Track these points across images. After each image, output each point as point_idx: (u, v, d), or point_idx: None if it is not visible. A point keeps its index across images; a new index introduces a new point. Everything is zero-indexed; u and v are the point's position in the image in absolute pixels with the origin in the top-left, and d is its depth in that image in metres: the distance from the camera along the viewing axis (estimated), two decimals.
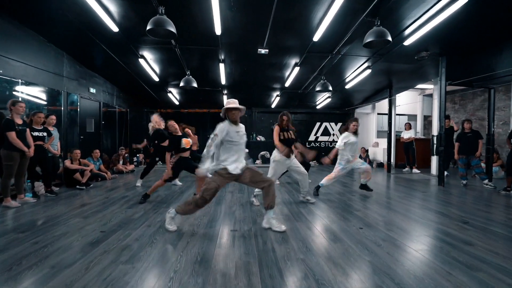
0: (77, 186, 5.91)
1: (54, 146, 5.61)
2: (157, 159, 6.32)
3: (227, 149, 3.26)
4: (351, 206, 4.58)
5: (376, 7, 4.56)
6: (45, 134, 5.10)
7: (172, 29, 4.35)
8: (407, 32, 5.45)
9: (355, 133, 5.29)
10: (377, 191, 5.90)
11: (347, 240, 3.04)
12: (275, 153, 4.68)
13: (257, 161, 11.71)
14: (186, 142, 4.73)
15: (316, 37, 5.46)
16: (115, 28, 5.13)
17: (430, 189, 6.21)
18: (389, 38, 4.63)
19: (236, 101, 3.36)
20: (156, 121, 6.04)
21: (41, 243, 2.88)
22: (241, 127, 3.44)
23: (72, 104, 6.90)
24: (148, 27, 4.23)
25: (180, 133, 4.82)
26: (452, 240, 3.04)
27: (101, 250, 2.72)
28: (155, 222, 3.64)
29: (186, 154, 4.80)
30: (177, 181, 6.73)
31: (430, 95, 12.90)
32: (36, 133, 4.92)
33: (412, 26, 5.24)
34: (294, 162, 4.72)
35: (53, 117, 5.58)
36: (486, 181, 6.38)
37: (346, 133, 5.31)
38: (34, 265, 2.37)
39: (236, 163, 3.27)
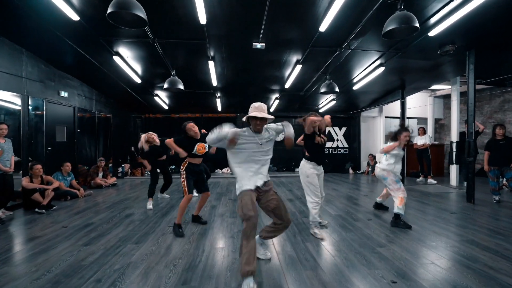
0: (36, 209, 4.89)
1: (6, 162, 4.60)
2: (158, 170, 5.58)
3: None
4: (371, 239, 3.57)
5: None
6: None
7: (141, 14, 3.38)
8: (433, 20, 4.49)
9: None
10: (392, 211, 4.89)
11: (381, 264, 2.03)
12: (306, 164, 3.82)
13: None
14: (201, 146, 4.04)
15: (323, 27, 4.48)
16: (75, 17, 4.15)
17: (458, 208, 5.21)
18: (417, 24, 3.68)
19: (265, 107, 2.67)
20: (153, 139, 5.53)
21: None
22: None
23: (36, 109, 5.89)
24: (108, 10, 3.26)
25: (198, 137, 4.09)
26: None
27: None
28: (110, 272, 2.64)
29: (198, 161, 4.06)
30: (165, 194, 6.11)
31: (441, 97, 11.96)
32: None
33: (440, 13, 4.29)
34: (321, 175, 3.94)
35: (4, 126, 4.56)
36: None
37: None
38: None
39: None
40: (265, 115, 2.54)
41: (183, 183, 3.90)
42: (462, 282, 2.43)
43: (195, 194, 5.70)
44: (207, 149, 4.09)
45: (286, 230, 2.85)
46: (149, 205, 5.18)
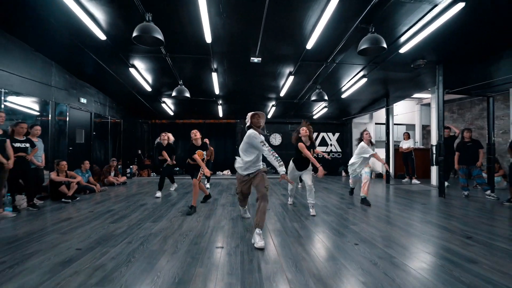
0: (63, 199, 5.67)
1: (38, 157, 5.39)
2: (164, 165, 6.56)
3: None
4: (347, 220, 4.34)
5: (369, 14, 4.44)
6: (27, 145, 4.90)
7: (160, 36, 4.21)
8: (402, 39, 5.32)
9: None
10: (375, 203, 5.67)
11: (341, 258, 2.80)
12: (291, 163, 5.10)
13: None
14: (199, 154, 4.98)
15: (309, 45, 5.33)
16: (102, 36, 5.00)
17: (431, 201, 5.97)
18: (384, 45, 4.50)
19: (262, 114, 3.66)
20: (170, 138, 6.69)
21: (8, 263, 2.65)
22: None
23: (60, 114, 6.72)
24: (134, 34, 4.09)
25: (199, 145, 5.06)
26: (454, 257, 2.81)
27: (71, 271, 2.49)
28: (137, 238, 3.41)
29: (194, 163, 5.06)
30: (160, 193, 6.48)
31: (428, 105, 12.77)
32: (18, 144, 4.72)
33: (408, 33, 5.12)
34: (307, 171, 4.93)
35: (38, 127, 5.38)
36: (488, 192, 6.16)
37: (363, 144, 5.56)
38: None
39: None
40: (261, 123, 3.61)
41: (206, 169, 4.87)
42: (404, 243, 3.21)
43: (159, 194, 6.40)
44: (204, 156, 5.04)
45: (265, 203, 3.31)
46: (158, 194, 6.31)
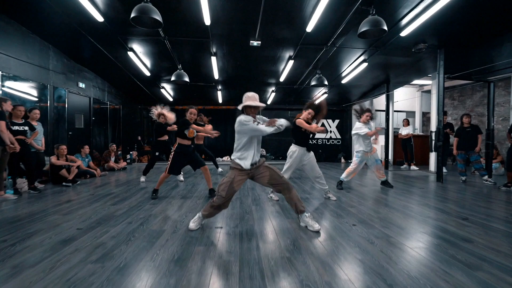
0: (63, 183, 5.71)
1: (38, 141, 5.40)
2: (157, 153, 6.17)
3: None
4: (345, 203, 4.38)
5: None
6: (26, 128, 4.90)
7: (158, 17, 4.15)
8: (403, 22, 5.26)
9: (367, 123, 5.33)
10: (374, 187, 5.71)
11: (338, 237, 2.84)
12: (293, 148, 4.49)
13: None
14: (190, 131, 4.56)
15: (309, 28, 5.25)
16: (100, 18, 4.93)
17: (429, 185, 6.01)
18: (385, 27, 4.45)
19: (257, 96, 3.05)
20: (169, 117, 5.90)
21: (9, 241, 2.69)
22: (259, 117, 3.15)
23: (59, 99, 6.68)
24: (132, 15, 4.04)
25: (191, 122, 4.53)
26: (450, 237, 2.85)
27: (72, 248, 2.53)
28: (137, 219, 3.45)
29: (187, 142, 4.62)
30: (181, 176, 6.36)
31: (429, 91, 12.70)
32: (16, 127, 4.72)
33: (409, 15, 5.05)
34: (312, 158, 4.51)
35: (37, 111, 5.36)
36: (485, 177, 6.20)
37: (358, 124, 5.34)
38: None
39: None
40: (258, 103, 2.94)
41: (169, 161, 4.52)
42: (401, 223, 3.26)
43: (181, 178, 6.28)
44: (195, 134, 4.64)
45: (293, 189, 3.13)
46: (142, 179, 6.17)
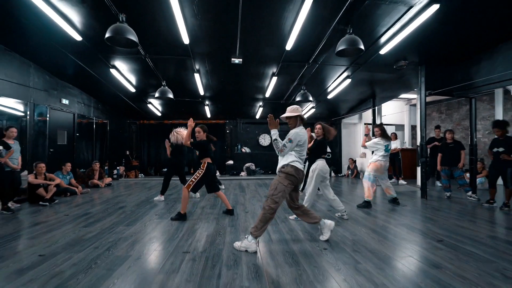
0: (40, 202, 5.59)
1: (14, 160, 5.30)
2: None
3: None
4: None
5: (346, 14, 4.43)
6: (0, 147, 4.82)
7: (133, 37, 4.16)
8: (382, 40, 5.32)
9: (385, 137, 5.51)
10: (356, 204, 5.65)
11: (305, 263, 2.76)
12: (319, 163, 4.51)
13: (242, 173, 11.44)
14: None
15: (288, 46, 5.29)
16: (78, 37, 4.94)
17: (412, 202, 5.96)
18: (362, 47, 4.49)
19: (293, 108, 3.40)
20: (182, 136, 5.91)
21: None
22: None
23: (40, 115, 6.63)
24: (106, 35, 4.04)
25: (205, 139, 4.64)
26: (419, 262, 2.79)
27: (27, 279, 2.44)
28: (105, 243, 3.36)
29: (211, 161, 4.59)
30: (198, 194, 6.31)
31: (416, 105, 12.84)
32: None
33: (387, 34, 5.12)
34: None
35: (13, 129, 5.29)
36: (469, 193, 6.17)
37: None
38: None
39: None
40: (285, 114, 3.34)
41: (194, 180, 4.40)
42: (374, 247, 3.20)
43: (197, 195, 6.29)
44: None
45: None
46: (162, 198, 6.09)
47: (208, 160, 4.53)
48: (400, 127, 12.86)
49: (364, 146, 5.74)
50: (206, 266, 2.69)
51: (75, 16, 4.51)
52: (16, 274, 2.53)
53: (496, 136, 5.44)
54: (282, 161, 3.30)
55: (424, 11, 4.24)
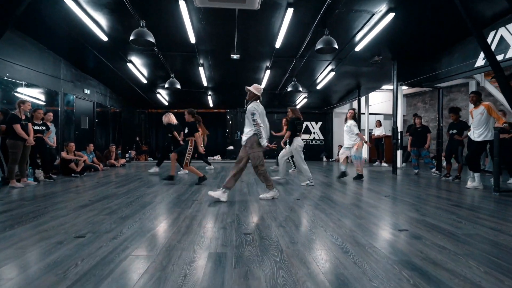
0: (72, 174, 6.76)
1: (51, 139, 6.46)
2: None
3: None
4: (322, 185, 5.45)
5: (322, 20, 5.47)
6: (43, 128, 5.96)
7: (151, 39, 5.25)
8: (356, 39, 6.36)
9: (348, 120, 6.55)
10: (339, 181, 6.75)
11: (281, 205, 3.90)
12: (295, 140, 5.64)
13: None
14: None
15: (277, 45, 6.36)
16: (104, 38, 6.03)
17: (382, 176, 7.08)
18: (336, 46, 5.54)
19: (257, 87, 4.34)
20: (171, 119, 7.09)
21: (42, 206, 3.74)
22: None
23: (68, 103, 7.77)
24: (131, 38, 5.13)
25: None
26: (364, 203, 3.92)
27: (87, 209, 3.58)
28: (135, 196, 4.50)
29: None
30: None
31: (404, 96, 13.85)
32: (36, 127, 5.78)
33: (358, 35, 6.16)
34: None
35: (50, 114, 6.44)
36: (433, 170, 7.26)
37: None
38: (34, 218, 3.22)
39: None
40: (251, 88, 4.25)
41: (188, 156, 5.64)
42: (335, 199, 4.33)
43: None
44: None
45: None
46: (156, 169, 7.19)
47: (193, 138, 5.69)
48: (388, 116, 13.88)
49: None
50: (211, 204, 3.84)
51: (103, 21, 5.59)
52: (80, 208, 3.68)
53: (452, 120, 6.52)
54: (244, 135, 4.24)
55: (384, 17, 5.28)
